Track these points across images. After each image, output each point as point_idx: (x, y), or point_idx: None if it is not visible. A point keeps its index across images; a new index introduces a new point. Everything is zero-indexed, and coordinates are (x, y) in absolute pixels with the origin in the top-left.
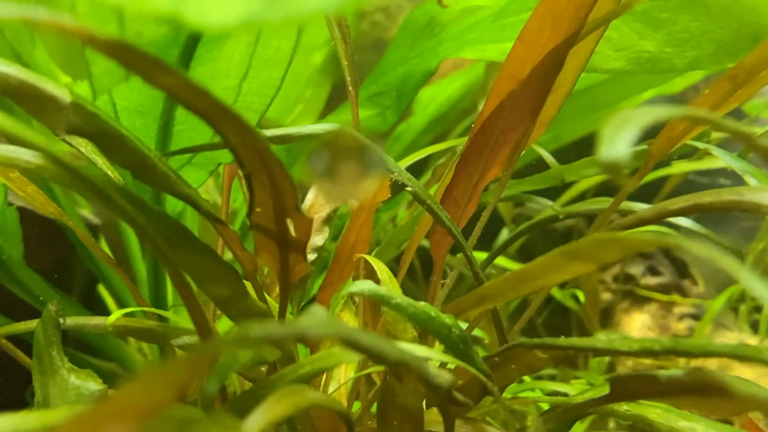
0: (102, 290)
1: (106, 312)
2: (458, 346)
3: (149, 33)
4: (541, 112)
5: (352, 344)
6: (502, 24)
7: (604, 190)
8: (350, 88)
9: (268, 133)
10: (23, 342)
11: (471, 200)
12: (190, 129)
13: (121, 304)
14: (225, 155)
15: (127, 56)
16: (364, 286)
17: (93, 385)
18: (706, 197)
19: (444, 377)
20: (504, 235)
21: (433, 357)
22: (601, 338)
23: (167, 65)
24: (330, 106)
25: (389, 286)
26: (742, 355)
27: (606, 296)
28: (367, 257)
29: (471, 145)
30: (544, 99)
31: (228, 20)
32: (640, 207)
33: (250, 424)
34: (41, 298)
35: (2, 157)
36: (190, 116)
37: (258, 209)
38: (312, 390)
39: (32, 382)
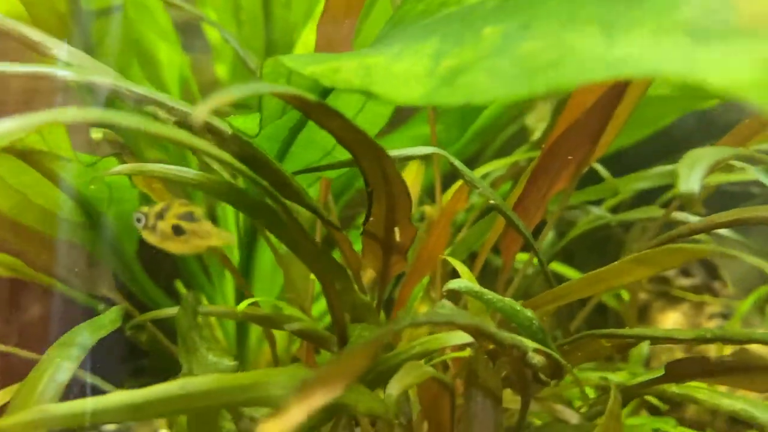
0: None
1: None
2: (538, 336)
3: (299, 83)
4: (601, 137)
5: (480, 331)
6: None
7: (638, 200)
8: (431, 114)
9: None
10: None
11: (538, 210)
12: (304, 151)
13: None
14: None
15: (310, 107)
16: (461, 283)
17: (227, 361)
18: (748, 213)
19: (538, 358)
20: (549, 237)
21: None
22: (660, 329)
23: (335, 111)
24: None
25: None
26: None
27: (642, 296)
28: (450, 259)
29: (540, 163)
30: (604, 127)
31: (411, 98)
32: (683, 216)
33: (392, 389)
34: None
35: (174, 175)
36: (306, 141)
37: (371, 219)
38: (427, 366)
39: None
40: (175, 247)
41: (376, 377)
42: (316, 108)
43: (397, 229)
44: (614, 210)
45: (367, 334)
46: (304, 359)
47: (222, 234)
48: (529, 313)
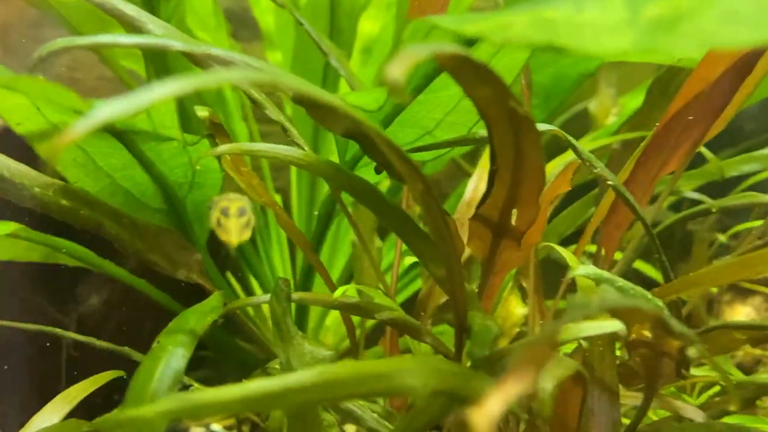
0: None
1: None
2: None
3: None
4: (724, 112)
5: (656, 318)
6: None
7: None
8: (525, 90)
9: None
10: None
11: (646, 192)
12: (402, 129)
13: (263, 287)
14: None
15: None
16: (589, 270)
17: (324, 351)
18: None
19: (692, 350)
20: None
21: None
22: None
23: (495, 76)
24: None
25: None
26: None
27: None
28: (556, 247)
29: (653, 142)
30: (729, 100)
31: (614, 49)
32: None
33: (546, 382)
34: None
35: (279, 154)
36: (406, 120)
37: (487, 201)
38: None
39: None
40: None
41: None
42: (479, 71)
43: (515, 212)
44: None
45: (491, 324)
46: (387, 348)
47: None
48: (659, 301)
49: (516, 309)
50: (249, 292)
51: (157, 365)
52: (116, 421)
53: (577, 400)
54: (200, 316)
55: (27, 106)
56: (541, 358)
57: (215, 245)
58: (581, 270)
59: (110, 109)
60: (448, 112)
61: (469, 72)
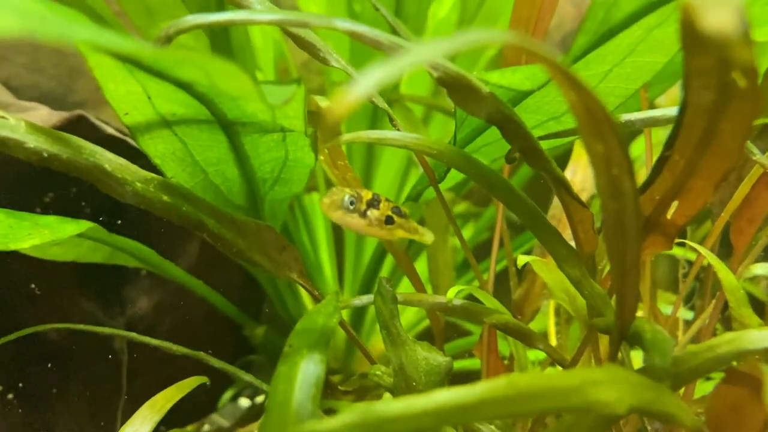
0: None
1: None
2: None
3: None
4: None
5: None
6: None
7: None
8: None
9: (657, 113)
10: None
11: None
12: (525, 114)
13: (315, 283)
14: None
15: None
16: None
17: (439, 357)
18: None
19: None
20: None
21: None
22: None
23: (578, 82)
24: None
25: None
26: None
27: None
28: (690, 243)
29: None
30: None
31: None
32: None
33: None
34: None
35: (409, 143)
36: (534, 105)
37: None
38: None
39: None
40: (379, 233)
41: (675, 381)
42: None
43: (675, 203)
44: None
45: (662, 331)
46: (485, 354)
47: (427, 233)
48: None
49: None
50: (295, 295)
51: (295, 371)
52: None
53: (756, 422)
54: (326, 318)
55: (139, 94)
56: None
57: None
58: (759, 269)
59: (379, 74)
60: None
61: (694, 38)
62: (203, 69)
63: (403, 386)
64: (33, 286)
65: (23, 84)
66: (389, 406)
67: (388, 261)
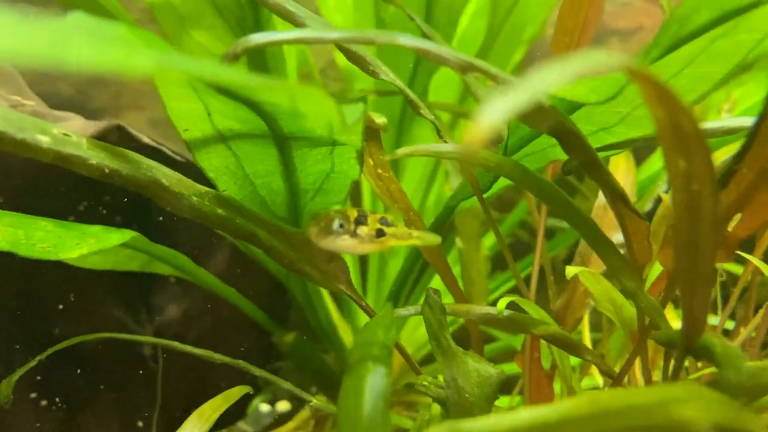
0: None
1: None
2: None
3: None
4: None
5: None
6: None
7: None
8: None
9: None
10: None
11: None
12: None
13: (336, 298)
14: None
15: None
16: None
17: (490, 368)
18: None
19: None
20: None
21: None
22: None
23: (676, 99)
24: None
25: None
26: None
27: None
28: (748, 256)
29: None
30: None
31: None
32: None
33: None
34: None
35: (467, 155)
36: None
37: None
38: None
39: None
40: (372, 248)
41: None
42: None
43: (739, 216)
44: None
45: (732, 346)
46: (527, 365)
47: (427, 235)
48: None
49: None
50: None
51: (362, 385)
52: None
53: None
54: (384, 330)
55: (200, 111)
56: None
57: None
58: None
59: (544, 81)
60: (637, 106)
61: None
62: (290, 95)
63: (455, 398)
64: (66, 295)
65: (43, 91)
66: (476, 423)
67: (414, 272)
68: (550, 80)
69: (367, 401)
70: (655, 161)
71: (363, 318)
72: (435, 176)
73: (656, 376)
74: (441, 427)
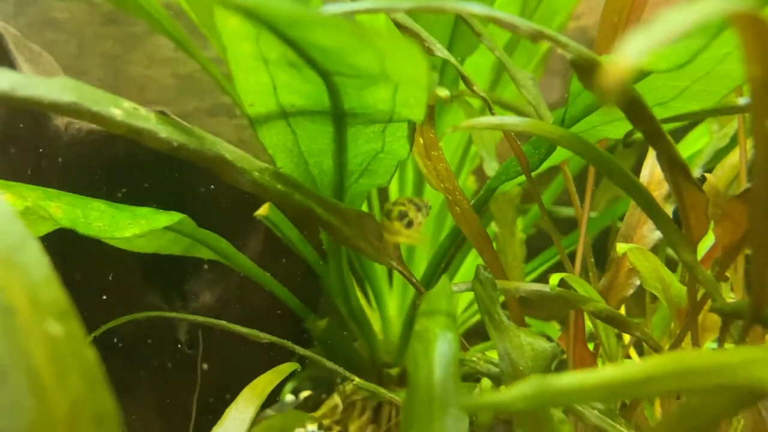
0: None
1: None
2: None
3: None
4: None
5: None
6: None
7: None
8: None
9: None
10: None
11: None
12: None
13: (370, 280)
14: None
15: None
16: None
17: (543, 342)
18: None
19: None
20: None
21: None
22: None
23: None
24: None
25: None
26: None
27: None
28: None
29: None
30: None
31: None
32: None
33: None
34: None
35: (528, 128)
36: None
37: None
38: None
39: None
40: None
41: None
42: None
43: None
44: None
45: None
46: (571, 343)
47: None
48: None
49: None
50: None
51: (432, 350)
52: (476, 404)
53: None
54: (447, 299)
55: (266, 85)
56: None
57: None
58: None
59: (681, 20)
60: (697, 79)
61: None
62: (379, 52)
63: (510, 371)
64: (105, 283)
65: None
66: (562, 379)
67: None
68: (685, 19)
69: (438, 365)
70: (691, 142)
71: (392, 307)
72: (462, 165)
73: None
74: (529, 383)
